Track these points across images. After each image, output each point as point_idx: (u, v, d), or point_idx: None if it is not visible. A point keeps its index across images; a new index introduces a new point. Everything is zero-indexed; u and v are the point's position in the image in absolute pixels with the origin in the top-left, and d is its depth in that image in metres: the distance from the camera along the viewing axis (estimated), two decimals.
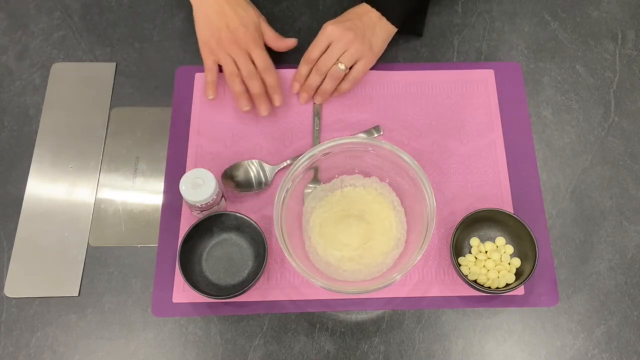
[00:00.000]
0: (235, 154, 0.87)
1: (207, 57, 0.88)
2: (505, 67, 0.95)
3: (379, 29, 0.87)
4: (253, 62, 0.87)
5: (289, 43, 0.91)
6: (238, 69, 0.87)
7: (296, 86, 0.90)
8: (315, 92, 0.90)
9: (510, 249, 0.81)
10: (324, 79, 0.88)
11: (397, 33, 0.90)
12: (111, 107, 0.91)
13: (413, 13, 0.91)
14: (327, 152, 0.79)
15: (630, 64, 0.95)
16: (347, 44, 0.85)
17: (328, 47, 0.86)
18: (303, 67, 0.89)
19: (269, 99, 0.88)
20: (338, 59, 0.86)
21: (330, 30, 0.86)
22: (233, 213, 0.80)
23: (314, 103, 0.91)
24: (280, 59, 0.95)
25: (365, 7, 0.88)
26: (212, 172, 0.76)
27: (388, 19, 0.87)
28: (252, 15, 0.88)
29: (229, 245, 0.82)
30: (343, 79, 0.88)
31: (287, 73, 0.93)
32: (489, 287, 0.79)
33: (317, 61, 0.87)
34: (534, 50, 0.96)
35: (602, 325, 0.79)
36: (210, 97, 0.88)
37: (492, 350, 0.78)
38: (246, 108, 0.87)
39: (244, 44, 0.86)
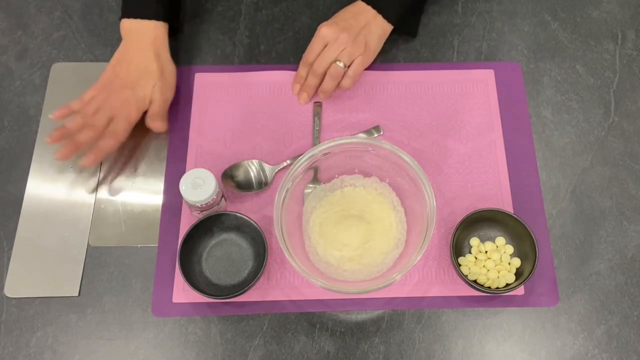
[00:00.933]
0: (235, 154, 0.87)
1: (91, 92, 0.83)
2: (505, 67, 0.95)
3: (375, 27, 0.87)
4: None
5: (158, 127, 0.85)
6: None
7: (296, 87, 0.91)
8: (316, 91, 0.90)
9: (510, 249, 0.81)
10: (322, 79, 0.88)
11: (392, 33, 0.90)
12: None
13: (409, 12, 0.91)
14: (327, 152, 0.79)
15: (630, 64, 0.95)
16: (342, 45, 0.85)
17: (324, 48, 0.86)
18: (302, 69, 0.89)
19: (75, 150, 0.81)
20: (335, 59, 0.85)
21: (324, 32, 0.85)
22: (233, 213, 0.80)
23: (314, 103, 0.91)
24: (281, 60, 0.95)
25: (360, 5, 0.88)
26: (212, 172, 0.76)
27: (384, 16, 0.87)
28: (149, 91, 0.84)
29: (229, 245, 0.82)
30: (343, 76, 0.88)
31: (287, 75, 0.93)
32: (489, 287, 0.79)
33: (313, 64, 0.87)
34: (534, 50, 0.96)
35: (602, 325, 0.79)
36: (51, 116, 0.82)
37: (492, 350, 0.78)
38: (47, 140, 0.80)
39: (115, 109, 0.82)
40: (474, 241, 0.82)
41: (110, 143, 0.82)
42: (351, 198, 0.84)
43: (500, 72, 0.94)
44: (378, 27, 0.87)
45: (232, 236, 0.82)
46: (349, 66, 0.87)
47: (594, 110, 0.92)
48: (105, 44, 0.96)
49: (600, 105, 0.92)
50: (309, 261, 0.80)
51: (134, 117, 0.84)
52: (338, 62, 0.85)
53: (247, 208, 0.84)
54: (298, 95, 0.91)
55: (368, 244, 0.81)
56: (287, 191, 0.77)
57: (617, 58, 0.96)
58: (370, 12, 0.87)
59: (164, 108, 0.86)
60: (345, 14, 0.88)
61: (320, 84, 0.88)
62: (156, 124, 0.85)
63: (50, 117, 0.82)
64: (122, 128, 0.83)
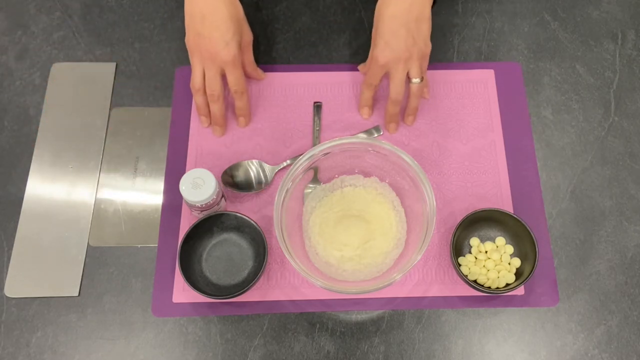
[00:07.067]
0: (235, 154, 0.88)
1: (189, 56, 0.84)
2: (505, 67, 0.95)
3: (427, 8, 0.82)
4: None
5: (260, 76, 0.91)
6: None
7: (366, 111, 0.89)
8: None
9: (510, 249, 0.81)
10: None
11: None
12: (111, 107, 0.91)
13: None
14: (327, 152, 0.79)
15: (630, 64, 0.95)
16: (407, 63, 0.81)
17: (384, 67, 0.82)
18: (367, 92, 0.87)
19: (226, 122, 0.88)
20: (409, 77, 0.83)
21: (383, 60, 0.81)
22: (233, 213, 0.80)
23: (314, 103, 0.90)
24: (281, 60, 0.95)
25: None
26: (212, 172, 0.76)
27: None
28: (239, 31, 0.82)
29: (229, 245, 0.82)
30: None
31: (287, 75, 0.93)
32: (489, 287, 0.79)
33: (389, 93, 0.84)
34: (534, 50, 0.96)
35: (602, 325, 0.79)
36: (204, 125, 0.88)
37: (492, 350, 0.78)
38: (205, 125, 0.88)
39: (220, 62, 0.81)
40: (474, 241, 0.82)
41: (242, 101, 0.86)
42: (351, 198, 0.84)
43: (500, 72, 0.94)
44: (428, 5, 0.82)
45: (232, 236, 0.82)
46: None
47: (594, 110, 0.92)
48: (105, 44, 0.96)
49: (600, 105, 0.92)
50: (309, 261, 0.80)
51: (240, 64, 0.83)
52: (414, 80, 0.83)
53: (247, 208, 0.84)
54: (386, 127, 0.88)
55: (368, 244, 0.81)
56: (287, 191, 0.77)
57: (617, 58, 0.96)
58: None
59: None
60: (396, 23, 0.80)
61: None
62: (259, 74, 0.91)
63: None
64: (240, 81, 0.84)
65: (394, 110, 0.86)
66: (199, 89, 0.84)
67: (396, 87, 0.83)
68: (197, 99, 0.86)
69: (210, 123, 0.88)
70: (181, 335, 0.78)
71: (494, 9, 1.00)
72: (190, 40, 0.82)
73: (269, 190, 0.85)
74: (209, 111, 0.87)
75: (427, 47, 0.83)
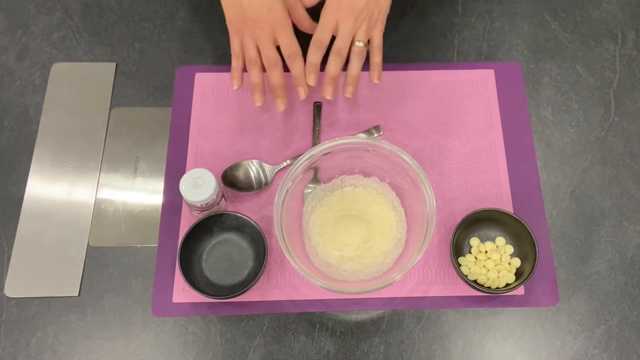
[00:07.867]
0: (235, 154, 0.88)
1: (234, 39, 0.82)
2: (505, 67, 0.95)
3: None
4: (279, 47, 0.81)
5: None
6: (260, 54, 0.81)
7: (313, 77, 0.82)
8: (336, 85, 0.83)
9: (510, 249, 0.82)
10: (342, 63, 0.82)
11: None
12: (111, 107, 0.91)
13: None
14: (327, 152, 0.79)
15: (630, 64, 0.95)
16: (357, 21, 0.79)
17: (338, 26, 0.80)
18: (314, 54, 0.81)
19: (287, 91, 0.83)
20: (354, 38, 0.80)
21: (335, 15, 0.79)
22: (233, 213, 0.80)
23: (314, 103, 0.90)
24: None
25: None
26: (212, 172, 0.76)
27: None
28: None
29: (229, 245, 0.82)
30: (368, 54, 0.83)
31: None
32: (489, 287, 0.79)
33: (333, 45, 0.81)
34: (534, 50, 0.96)
35: (602, 325, 0.79)
36: (235, 87, 0.83)
37: (492, 350, 0.78)
38: (258, 104, 0.83)
39: (267, 27, 0.79)
40: (474, 241, 0.82)
41: (297, 65, 0.81)
42: (351, 198, 0.84)
43: (500, 72, 0.94)
44: None
45: (232, 236, 0.82)
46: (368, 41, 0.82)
47: (594, 110, 0.92)
48: (105, 44, 0.96)
49: (600, 105, 0.92)
50: (309, 261, 0.80)
51: (290, 26, 0.81)
52: (358, 43, 0.80)
53: (247, 208, 0.84)
54: (323, 90, 0.83)
55: (368, 244, 0.81)
56: (287, 191, 0.77)
57: (617, 58, 0.96)
58: None
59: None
60: None
61: (336, 72, 0.82)
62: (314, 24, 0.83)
63: (234, 88, 0.83)
64: (292, 43, 0.81)
65: (335, 67, 0.81)
66: (257, 63, 0.81)
67: (343, 42, 0.80)
68: (253, 75, 0.82)
69: (263, 101, 0.83)
70: (181, 335, 0.78)
71: (494, 9, 1.00)
72: (232, 18, 0.80)
73: (269, 190, 0.85)
74: (264, 89, 0.83)
75: (380, 10, 0.80)
